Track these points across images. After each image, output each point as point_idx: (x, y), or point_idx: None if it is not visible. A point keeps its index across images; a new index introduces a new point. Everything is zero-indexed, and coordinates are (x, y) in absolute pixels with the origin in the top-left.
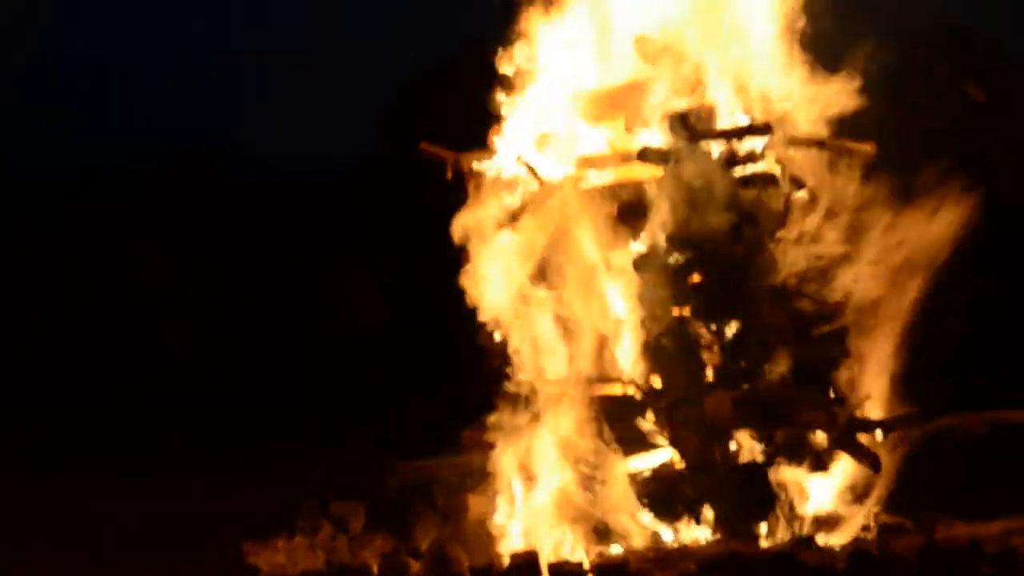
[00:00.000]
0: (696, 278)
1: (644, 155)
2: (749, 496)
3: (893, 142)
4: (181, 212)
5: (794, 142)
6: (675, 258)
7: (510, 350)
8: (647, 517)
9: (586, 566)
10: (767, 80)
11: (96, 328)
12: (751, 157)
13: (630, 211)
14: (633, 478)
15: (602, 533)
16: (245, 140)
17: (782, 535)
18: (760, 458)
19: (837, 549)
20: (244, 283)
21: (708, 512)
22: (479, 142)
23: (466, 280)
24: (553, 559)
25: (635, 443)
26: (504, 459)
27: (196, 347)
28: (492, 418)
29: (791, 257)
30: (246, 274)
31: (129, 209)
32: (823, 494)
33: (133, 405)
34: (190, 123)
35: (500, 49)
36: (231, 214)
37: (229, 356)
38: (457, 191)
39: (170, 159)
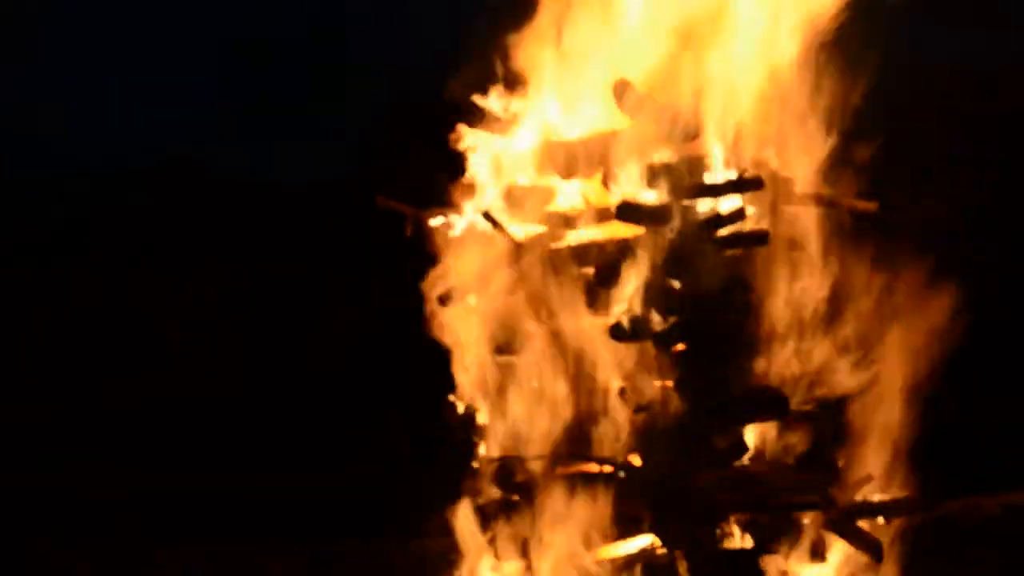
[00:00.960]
0: (681, 347)
1: (623, 212)
2: None
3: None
4: (180, 212)
5: (789, 199)
6: (657, 325)
7: (477, 425)
8: None
9: None
10: (760, 131)
11: (96, 328)
12: (740, 215)
13: (608, 273)
14: (611, 565)
15: None
16: (244, 139)
17: None
18: (750, 544)
19: None
20: (244, 283)
21: None
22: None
23: (427, 348)
24: None
25: (614, 527)
26: (469, 544)
27: (196, 347)
28: (457, 499)
29: (786, 325)
30: (246, 274)
31: (129, 209)
32: None
33: (133, 405)
34: (188, 123)
35: (465, 95)
36: (231, 214)
37: (229, 356)
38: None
39: (169, 159)
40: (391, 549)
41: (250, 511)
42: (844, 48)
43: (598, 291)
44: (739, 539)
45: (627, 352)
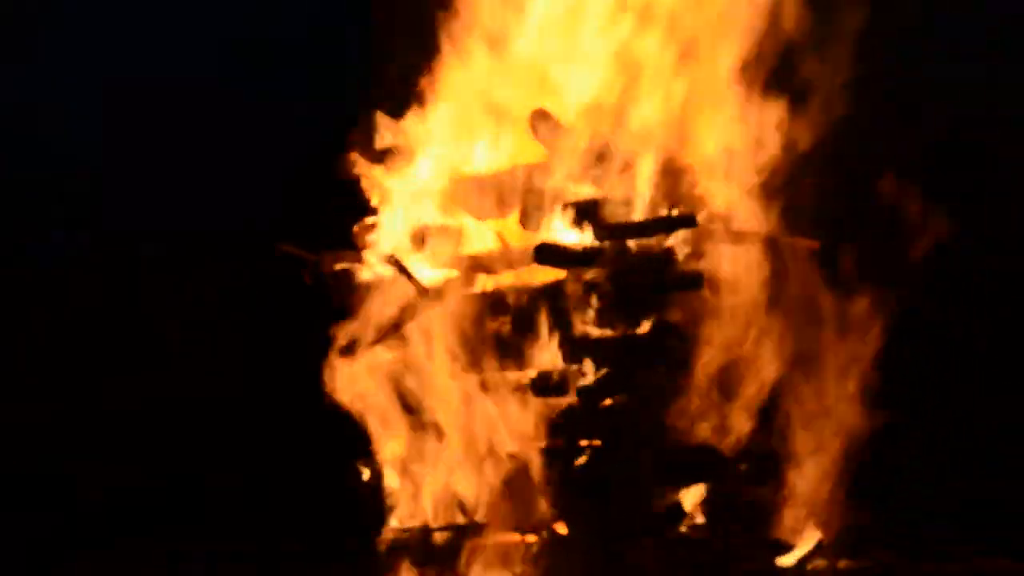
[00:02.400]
0: (609, 402)
1: (543, 254)
2: None
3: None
4: (182, 211)
5: (725, 237)
6: (584, 379)
7: (385, 492)
8: None
9: None
10: (693, 164)
11: (96, 328)
12: (672, 256)
13: (527, 322)
14: None
15: None
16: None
17: None
18: None
19: None
20: (244, 283)
21: None
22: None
23: (329, 405)
24: None
25: None
26: None
27: (196, 347)
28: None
29: (723, 373)
30: (246, 274)
31: (129, 207)
32: None
33: (133, 405)
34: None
35: (370, 129)
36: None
37: (229, 356)
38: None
39: None
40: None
41: (250, 511)
42: (781, 71)
43: (516, 341)
44: None
45: (551, 409)
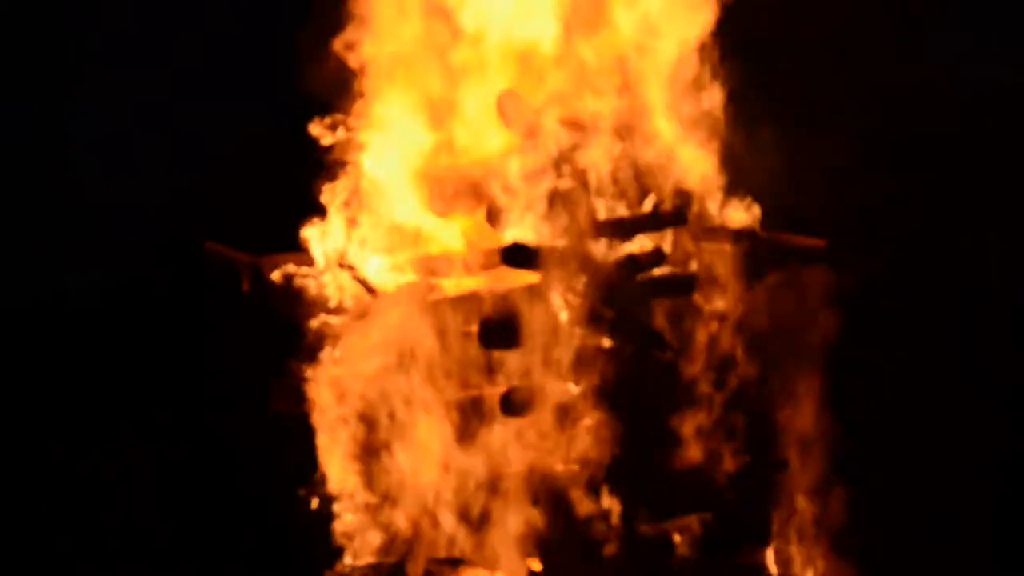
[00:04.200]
0: (589, 421)
1: (513, 255)
2: None
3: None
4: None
5: (716, 236)
6: (560, 394)
7: (336, 524)
8: None
9: None
10: (680, 156)
11: (97, 328)
12: (659, 256)
13: (496, 331)
14: None
15: None
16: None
17: None
18: None
19: None
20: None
21: None
22: (289, 241)
23: (274, 431)
24: None
25: None
26: None
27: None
28: None
29: (717, 387)
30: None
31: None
32: None
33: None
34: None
35: (319, 120)
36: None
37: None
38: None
39: None
40: None
41: (251, 512)
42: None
43: (483, 353)
44: None
45: (523, 427)
